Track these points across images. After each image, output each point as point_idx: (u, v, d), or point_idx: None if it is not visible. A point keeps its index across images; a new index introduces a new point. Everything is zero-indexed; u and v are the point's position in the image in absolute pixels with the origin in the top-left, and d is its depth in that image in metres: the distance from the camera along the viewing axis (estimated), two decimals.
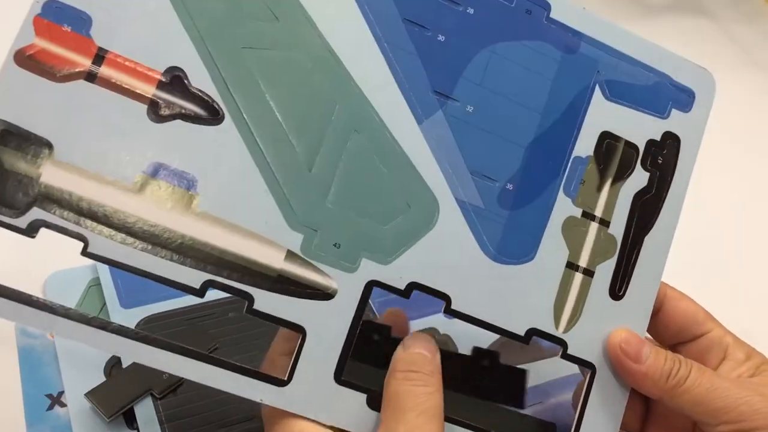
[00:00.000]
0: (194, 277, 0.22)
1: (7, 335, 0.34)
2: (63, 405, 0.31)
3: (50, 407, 0.31)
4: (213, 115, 0.22)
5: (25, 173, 0.20)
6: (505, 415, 0.28)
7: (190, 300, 0.31)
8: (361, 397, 0.23)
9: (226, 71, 0.22)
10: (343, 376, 0.23)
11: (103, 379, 0.31)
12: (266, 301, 0.22)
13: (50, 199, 0.20)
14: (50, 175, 0.20)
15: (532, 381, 0.33)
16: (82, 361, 0.31)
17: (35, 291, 0.35)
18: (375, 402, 0.23)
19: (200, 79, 0.22)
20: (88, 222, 0.21)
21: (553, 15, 0.25)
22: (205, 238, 0.22)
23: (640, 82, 0.26)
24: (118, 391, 0.29)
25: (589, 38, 0.26)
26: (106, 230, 0.21)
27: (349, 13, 0.23)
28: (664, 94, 0.26)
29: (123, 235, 0.21)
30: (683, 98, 0.27)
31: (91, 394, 0.30)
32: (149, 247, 0.21)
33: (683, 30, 0.53)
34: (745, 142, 0.49)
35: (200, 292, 0.21)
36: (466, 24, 0.24)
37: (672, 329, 0.26)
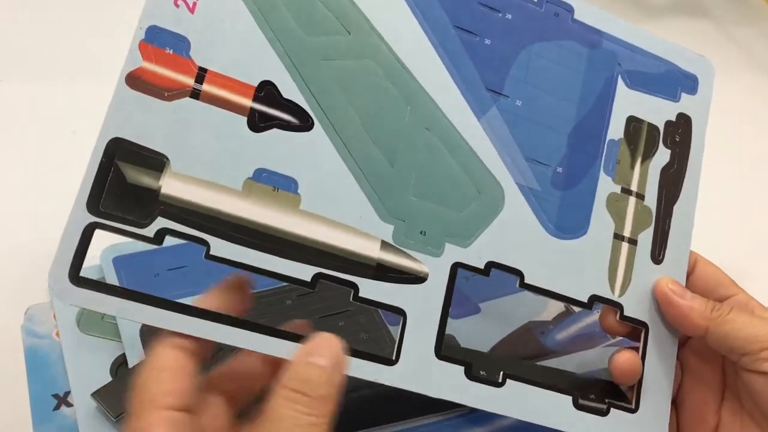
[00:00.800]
0: (305, 271, 0.26)
1: (13, 335, 0.37)
2: (69, 405, 0.34)
3: (57, 407, 0.34)
4: (304, 123, 0.27)
5: (148, 186, 0.24)
6: (562, 374, 0.33)
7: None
8: (459, 370, 0.28)
9: (311, 82, 0.27)
10: (442, 351, 0.27)
11: (110, 378, 0.34)
12: (369, 289, 0.27)
13: (172, 208, 0.24)
14: (170, 186, 0.25)
15: None
16: (88, 360, 0.34)
17: (41, 292, 0.40)
18: (471, 373, 0.29)
19: (289, 91, 0.27)
20: (208, 227, 0.25)
21: (576, 17, 0.32)
22: (311, 235, 0.26)
23: (653, 71, 0.33)
24: (124, 391, 0.32)
25: (608, 35, 0.33)
26: (224, 233, 0.25)
27: (408, 24, 0.29)
28: (674, 80, 0.34)
29: (239, 236, 0.25)
30: (689, 83, 0.34)
31: (98, 394, 0.33)
32: (262, 245, 0.26)
33: (683, 31, 0.60)
34: (744, 143, 0.57)
35: (312, 284, 0.26)
36: (507, 28, 0.31)
37: (703, 290, 0.32)
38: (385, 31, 0.29)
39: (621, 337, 0.33)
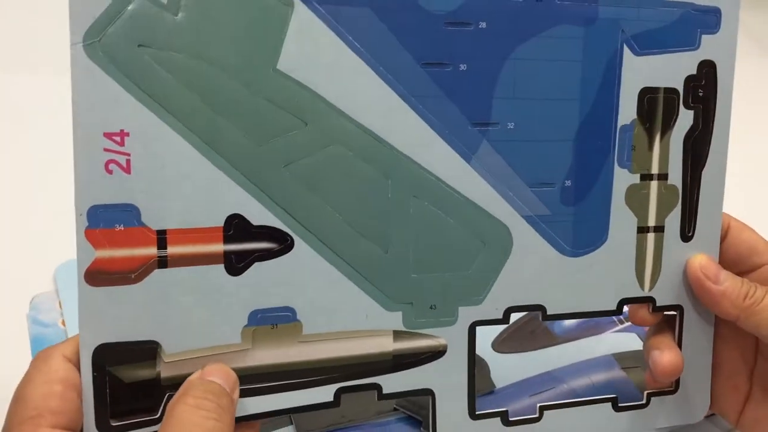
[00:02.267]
0: (326, 392, 0.32)
1: (19, 324, 0.45)
2: None
3: None
4: (284, 243, 0.30)
5: (147, 378, 0.29)
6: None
7: None
8: (496, 421, 0.34)
9: (278, 197, 0.30)
10: (476, 411, 0.33)
11: None
12: (392, 384, 0.33)
13: (179, 385, 0.29)
14: (168, 369, 0.29)
15: (542, 367, 0.43)
16: None
17: (46, 281, 0.48)
18: (509, 420, 0.36)
19: (259, 215, 0.30)
20: None
21: None
22: (321, 356, 0.31)
23: (665, 22, 0.34)
24: None
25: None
26: (240, 390, 0.30)
27: (369, 84, 0.31)
28: (691, 23, 0.35)
29: (253, 387, 0.30)
30: (710, 19, 0.35)
31: None
32: (278, 387, 0.30)
33: None
34: (753, 131, 0.60)
35: (336, 402, 0.31)
36: (482, 41, 0.32)
37: (734, 258, 0.38)
38: (344, 103, 0.31)
39: (629, 324, 0.38)
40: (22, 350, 0.42)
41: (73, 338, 0.30)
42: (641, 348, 0.42)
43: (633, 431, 0.39)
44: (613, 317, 0.48)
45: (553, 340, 0.47)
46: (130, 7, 0.29)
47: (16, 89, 0.60)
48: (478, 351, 0.36)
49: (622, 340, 0.48)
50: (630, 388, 0.44)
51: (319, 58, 0.31)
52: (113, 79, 0.29)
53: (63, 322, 0.44)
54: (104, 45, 0.28)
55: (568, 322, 0.48)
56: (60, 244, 0.43)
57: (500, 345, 0.48)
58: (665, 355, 0.37)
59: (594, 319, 0.44)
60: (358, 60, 0.32)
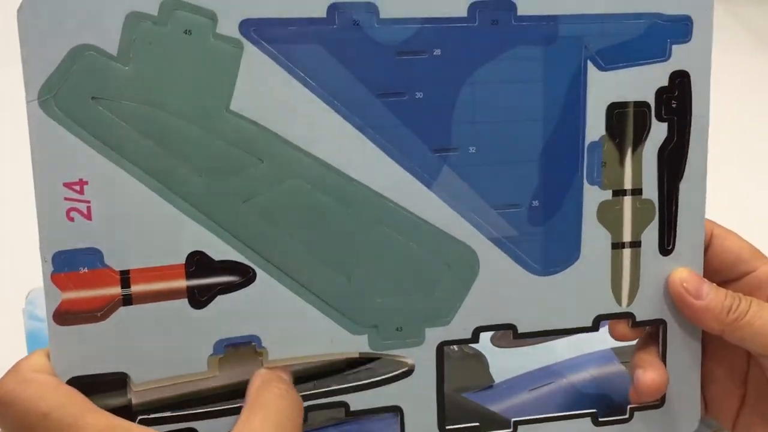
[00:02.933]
0: None
1: (15, 319, 0.46)
2: None
3: None
4: (246, 276, 0.31)
5: (119, 406, 0.30)
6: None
7: None
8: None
9: (238, 232, 0.31)
10: (446, 425, 0.34)
11: None
12: (359, 401, 0.33)
13: (149, 411, 0.31)
14: (139, 396, 0.30)
15: (542, 362, 0.43)
16: None
17: (17, 307, 0.47)
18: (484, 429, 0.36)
19: (220, 250, 0.32)
20: (190, 414, 0.31)
21: (521, 12, 0.32)
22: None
23: (631, 35, 0.34)
24: None
25: (565, 17, 0.33)
26: (207, 415, 0.31)
27: (322, 116, 0.32)
28: (660, 33, 0.34)
29: (220, 408, 0.31)
30: (681, 28, 0.34)
31: None
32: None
33: None
34: (754, 125, 0.59)
35: (305, 417, 0.32)
36: (437, 68, 0.32)
37: (719, 268, 0.37)
38: (300, 138, 0.32)
39: None
40: (17, 345, 0.44)
41: (27, 358, 0.32)
42: None
43: None
44: None
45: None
46: (81, 63, 0.30)
47: (13, 81, 0.61)
48: (478, 345, 0.36)
49: None
50: (629, 383, 0.44)
51: (272, 96, 0.32)
52: (69, 131, 0.30)
53: None
54: (58, 100, 0.30)
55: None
56: (30, 270, 0.45)
57: (499, 339, 0.48)
58: (648, 374, 0.37)
59: None
60: (311, 95, 0.32)
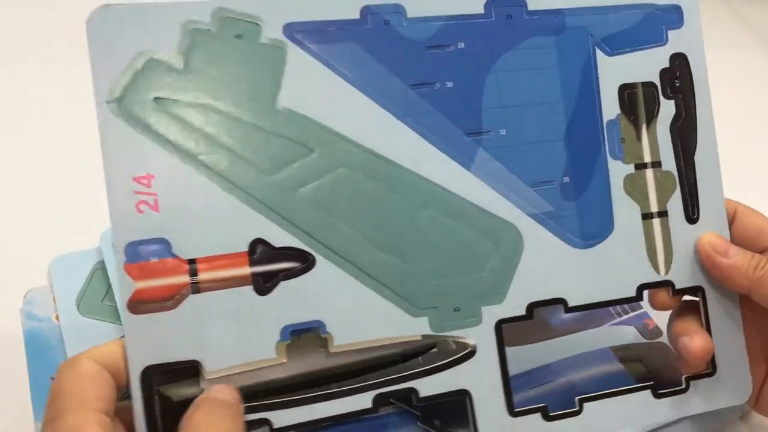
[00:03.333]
0: (363, 399, 0.33)
1: (12, 318, 0.45)
2: None
3: None
4: (306, 262, 0.32)
5: (192, 395, 0.30)
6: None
7: None
8: (537, 417, 0.34)
9: (295, 219, 0.33)
10: (515, 408, 0.34)
11: None
12: (427, 387, 0.34)
13: None
14: (211, 385, 0.30)
15: (540, 361, 0.45)
16: (88, 343, 0.38)
17: (40, 275, 0.48)
18: (549, 415, 0.37)
19: (280, 237, 0.32)
20: (260, 405, 0.31)
21: (531, 7, 0.35)
22: (356, 364, 0.32)
23: (631, 23, 0.37)
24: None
25: (570, 10, 0.36)
26: (278, 403, 0.31)
27: (366, 110, 0.34)
28: (656, 21, 0.37)
29: (291, 398, 0.31)
30: (673, 16, 0.38)
31: None
32: (316, 396, 0.32)
33: None
34: (752, 123, 0.63)
35: (375, 409, 0.32)
36: (463, 60, 0.35)
37: (743, 242, 0.39)
38: (346, 129, 0.34)
39: (627, 316, 0.39)
40: (15, 345, 0.43)
41: (99, 346, 0.32)
42: (639, 341, 0.42)
43: (674, 416, 0.39)
44: (610, 309, 0.48)
45: (551, 333, 0.47)
46: (143, 67, 0.33)
47: (11, 83, 0.59)
48: None
49: (620, 332, 0.48)
50: (628, 382, 0.45)
51: (316, 91, 0.35)
52: (135, 130, 0.32)
53: (57, 317, 0.44)
54: (125, 102, 0.32)
55: (566, 314, 0.48)
56: (55, 238, 0.48)
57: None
58: (695, 340, 0.38)
59: (592, 312, 0.44)
60: (353, 89, 0.35)
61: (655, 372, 0.44)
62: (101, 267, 0.46)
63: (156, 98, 0.33)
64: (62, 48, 0.59)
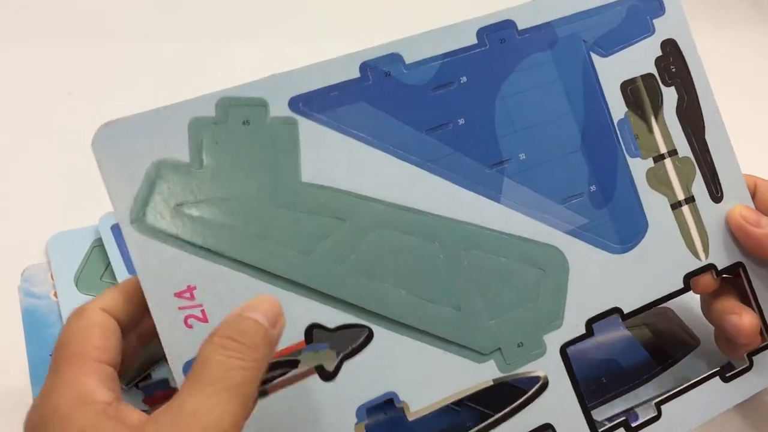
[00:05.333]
0: None
1: (10, 295, 0.45)
2: None
3: None
4: (363, 335, 0.31)
5: None
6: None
7: None
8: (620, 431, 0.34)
9: (343, 294, 0.32)
10: (598, 430, 0.33)
11: None
12: (510, 428, 0.32)
13: None
14: None
15: None
16: None
17: (38, 252, 0.48)
18: (631, 427, 0.36)
19: (332, 317, 0.31)
20: None
21: (521, 27, 0.35)
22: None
23: (617, 21, 0.37)
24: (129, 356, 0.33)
25: (557, 20, 0.36)
26: None
27: (384, 164, 0.33)
28: (639, 13, 0.38)
29: None
30: (654, 6, 0.38)
31: None
32: None
33: None
34: (756, 99, 0.64)
35: None
36: (469, 94, 0.34)
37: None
38: (372, 190, 0.33)
39: None
40: (13, 323, 0.43)
41: (106, 292, 0.31)
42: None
43: (747, 395, 0.39)
44: None
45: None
46: (158, 177, 0.31)
47: (6, 58, 0.60)
48: None
49: None
50: (634, 346, 0.45)
51: (335, 158, 0.34)
52: (165, 243, 0.31)
53: (55, 294, 0.44)
54: (148, 217, 0.31)
55: None
56: (52, 215, 0.48)
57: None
58: (744, 318, 0.38)
59: None
60: (369, 148, 0.34)
61: (660, 336, 0.45)
62: (99, 244, 0.46)
63: (178, 205, 0.31)
64: (47, 25, 0.62)
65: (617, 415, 0.38)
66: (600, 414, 0.43)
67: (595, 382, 0.43)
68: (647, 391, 0.44)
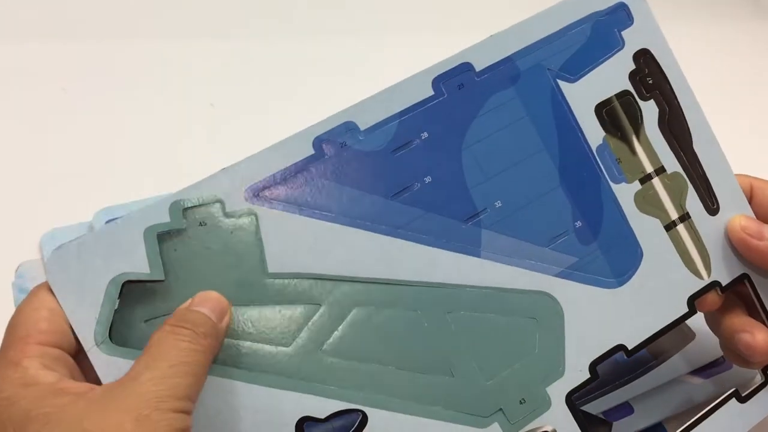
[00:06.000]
0: None
1: (4, 291, 0.44)
2: None
3: None
4: (357, 420, 0.30)
5: None
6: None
7: None
8: None
9: (330, 380, 0.32)
10: None
11: None
12: None
13: None
14: None
15: None
16: None
17: (32, 249, 0.49)
18: None
19: (323, 406, 0.31)
20: None
21: (478, 68, 0.33)
22: None
23: (582, 41, 0.35)
24: None
25: (517, 53, 0.35)
26: None
27: (353, 239, 0.33)
28: (605, 28, 0.36)
29: None
30: (621, 16, 0.36)
31: None
32: None
33: None
34: (752, 92, 0.62)
35: None
36: (432, 149, 0.33)
37: (766, 216, 0.35)
38: (344, 268, 0.33)
39: None
40: (7, 319, 0.43)
41: None
42: None
43: (766, 411, 0.37)
44: None
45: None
46: (119, 294, 0.30)
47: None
48: None
49: None
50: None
51: (301, 243, 0.33)
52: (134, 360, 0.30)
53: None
54: (115, 338, 0.30)
55: None
56: (46, 212, 0.49)
57: None
58: (758, 336, 0.36)
59: None
60: (335, 225, 0.33)
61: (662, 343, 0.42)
62: None
63: (146, 321, 0.31)
64: (42, 22, 0.63)
65: None
66: (594, 408, 0.43)
67: None
68: (644, 383, 0.44)
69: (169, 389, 0.26)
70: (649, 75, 0.38)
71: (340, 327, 0.33)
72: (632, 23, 0.38)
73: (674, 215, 0.37)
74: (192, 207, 0.32)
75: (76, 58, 0.62)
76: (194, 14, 0.70)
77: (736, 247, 0.37)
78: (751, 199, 0.38)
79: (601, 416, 0.44)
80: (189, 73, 0.65)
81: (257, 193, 0.32)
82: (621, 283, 0.36)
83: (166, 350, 0.28)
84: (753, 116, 0.61)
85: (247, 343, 0.32)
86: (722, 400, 0.37)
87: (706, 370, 0.47)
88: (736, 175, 0.39)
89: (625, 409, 0.45)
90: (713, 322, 0.39)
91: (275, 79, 0.67)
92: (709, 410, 0.37)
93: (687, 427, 0.36)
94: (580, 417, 0.35)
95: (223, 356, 0.31)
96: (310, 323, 0.32)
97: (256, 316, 0.32)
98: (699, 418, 0.37)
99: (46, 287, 0.30)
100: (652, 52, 0.38)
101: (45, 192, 0.52)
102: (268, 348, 0.32)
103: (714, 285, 0.37)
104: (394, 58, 0.64)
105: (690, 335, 0.45)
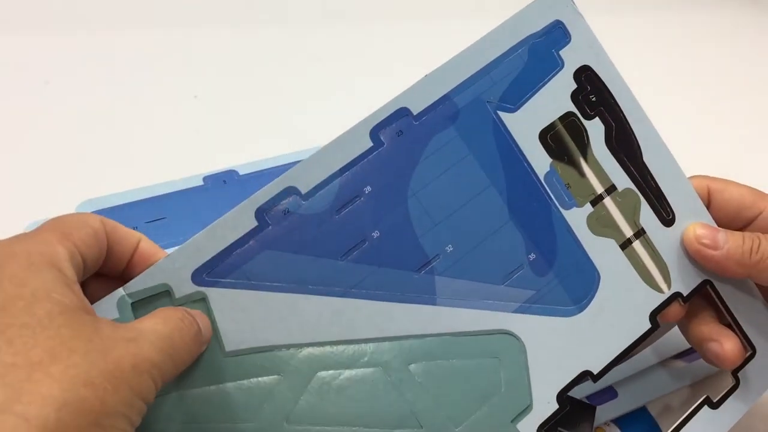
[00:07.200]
0: None
1: None
2: None
3: None
4: None
5: None
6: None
7: None
8: None
9: None
10: None
11: None
12: None
13: None
14: None
15: None
16: None
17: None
18: None
19: None
20: None
21: (415, 111, 0.33)
22: None
23: (519, 67, 0.35)
24: None
25: (454, 89, 0.35)
26: None
27: (306, 307, 0.33)
28: (543, 50, 0.35)
29: None
30: (557, 35, 0.35)
31: None
32: None
33: None
34: (749, 83, 0.61)
35: None
36: (377, 202, 0.33)
37: (725, 219, 0.37)
38: (299, 337, 0.34)
39: None
40: None
41: None
42: None
43: (741, 413, 0.38)
44: None
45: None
46: None
47: None
48: None
49: None
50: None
51: (255, 318, 0.33)
52: None
53: None
54: None
55: None
56: (29, 204, 0.50)
57: None
58: (726, 345, 0.37)
59: None
60: (287, 295, 0.33)
61: None
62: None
63: None
64: (24, 14, 0.64)
65: None
66: (579, 392, 0.44)
67: None
68: (627, 367, 0.47)
69: (167, 333, 0.28)
70: (592, 92, 0.37)
71: (303, 395, 0.33)
72: (569, 41, 0.37)
73: (629, 233, 0.37)
74: (140, 299, 0.32)
75: (59, 51, 0.62)
76: (177, 5, 0.70)
77: (693, 257, 0.38)
78: (709, 204, 0.38)
79: (585, 400, 0.45)
80: (173, 65, 0.65)
81: (204, 274, 0.32)
82: (581, 309, 0.37)
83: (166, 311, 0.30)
84: (752, 104, 0.61)
85: (211, 425, 0.32)
86: (694, 409, 0.38)
87: (688, 354, 0.48)
88: (693, 177, 0.39)
89: (609, 393, 0.47)
90: (683, 329, 0.40)
91: (260, 70, 0.67)
92: (682, 421, 0.38)
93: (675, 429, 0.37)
94: None
95: None
96: (272, 395, 0.33)
97: (218, 396, 0.32)
98: (673, 430, 0.38)
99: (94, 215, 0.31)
100: (593, 68, 0.37)
101: (27, 184, 0.52)
102: (231, 427, 0.32)
103: (675, 296, 0.38)
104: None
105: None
